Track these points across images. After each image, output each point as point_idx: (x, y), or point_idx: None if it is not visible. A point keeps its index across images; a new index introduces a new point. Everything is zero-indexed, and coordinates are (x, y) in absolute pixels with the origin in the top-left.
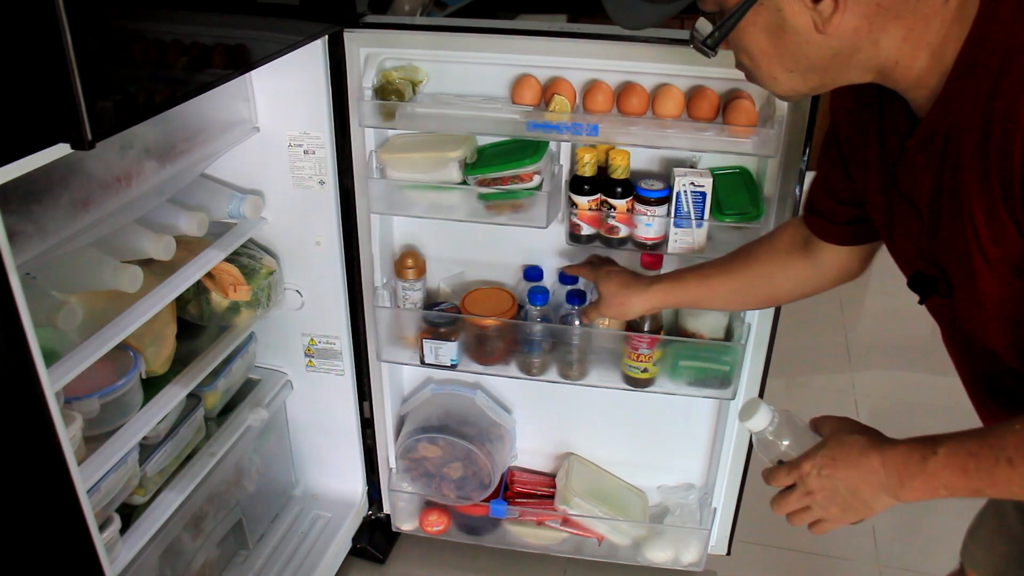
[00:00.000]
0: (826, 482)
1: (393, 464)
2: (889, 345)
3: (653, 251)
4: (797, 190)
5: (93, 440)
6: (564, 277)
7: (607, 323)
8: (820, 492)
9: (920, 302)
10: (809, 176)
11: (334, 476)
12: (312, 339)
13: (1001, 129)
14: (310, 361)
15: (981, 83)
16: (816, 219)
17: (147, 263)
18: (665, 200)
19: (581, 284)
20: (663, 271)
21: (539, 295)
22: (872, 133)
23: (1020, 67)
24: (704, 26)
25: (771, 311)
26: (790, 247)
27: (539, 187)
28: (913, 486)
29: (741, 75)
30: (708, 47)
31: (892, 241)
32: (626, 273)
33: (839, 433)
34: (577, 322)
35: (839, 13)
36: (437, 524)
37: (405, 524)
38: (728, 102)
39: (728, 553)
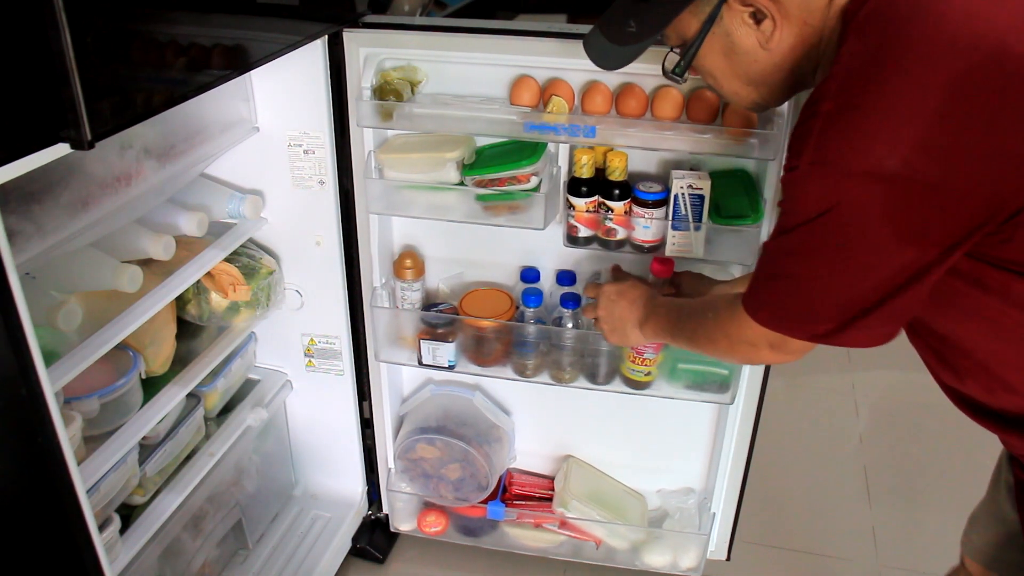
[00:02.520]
0: (610, 305)
1: (392, 464)
2: (889, 345)
3: (651, 254)
4: None
5: (93, 440)
6: (562, 278)
7: None
8: (604, 310)
9: None
10: None
11: (333, 476)
12: (312, 339)
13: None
14: (310, 361)
15: (821, 85)
16: None
17: (147, 263)
18: (663, 202)
19: (577, 287)
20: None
21: (533, 297)
22: None
23: (839, 82)
24: (671, 59)
25: None
26: None
27: (537, 188)
28: (646, 328)
29: None
30: (677, 75)
31: None
32: (700, 273)
33: (636, 280)
34: (570, 324)
35: (778, 31)
36: (435, 525)
37: (404, 524)
38: (727, 104)
39: (727, 558)
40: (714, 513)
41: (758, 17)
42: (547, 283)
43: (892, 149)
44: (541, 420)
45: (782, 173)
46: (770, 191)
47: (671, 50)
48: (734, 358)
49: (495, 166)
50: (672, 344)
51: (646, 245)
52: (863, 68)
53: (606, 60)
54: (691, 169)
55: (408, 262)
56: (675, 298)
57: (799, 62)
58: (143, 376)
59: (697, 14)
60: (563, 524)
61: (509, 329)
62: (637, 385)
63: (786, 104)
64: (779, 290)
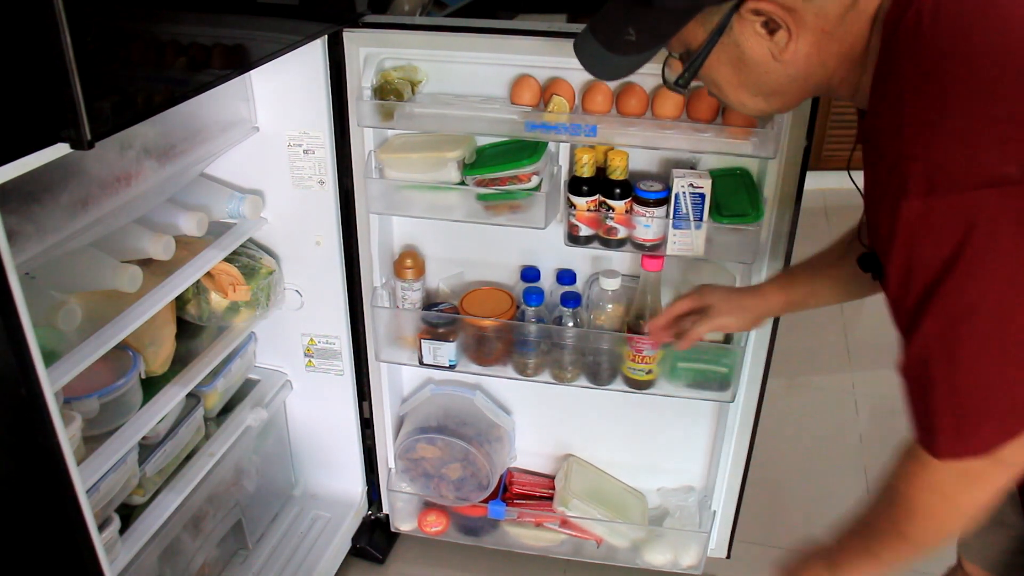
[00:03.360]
0: None
1: (392, 464)
2: (889, 345)
3: (652, 252)
4: (797, 191)
5: (92, 440)
6: (563, 277)
7: (603, 318)
8: None
9: (873, 278)
10: (810, 177)
11: (333, 476)
12: (312, 339)
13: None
14: (310, 361)
15: (888, 110)
16: None
17: (147, 263)
18: (664, 201)
19: (578, 287)
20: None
21: (533, 296)
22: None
23: (912, 106)
24: (673, 68)
25: None
26: None
27: (537, 188)
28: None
29: None
30: (680, 86)
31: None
32: (725, 286)
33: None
34: (571, 323)
35: (793, 42)
36: (436, 525)
37: (404, 524)
38: None
39: (728, 556)
40: (714, 511)
41: (771, 27)
42: (548, 282)
43: (1003, 155)
44: (541, 419)
45: (882, 233)
46: (770, 190)
47: (671, 55)
48: (962, 517)
49: (496, 165)
50: (887, 567)
51: (647, 244)
52: (939, 78)
53: (601, 69)
54: (691, 168)
55: (408, 262)
56: (841, 525)
57: (815, 71)
58: (143, 376)
59: (704, 23)
60: (564, 523)
61: (510, 328)
62: (638, 384)
63: None
64: (971, 388)
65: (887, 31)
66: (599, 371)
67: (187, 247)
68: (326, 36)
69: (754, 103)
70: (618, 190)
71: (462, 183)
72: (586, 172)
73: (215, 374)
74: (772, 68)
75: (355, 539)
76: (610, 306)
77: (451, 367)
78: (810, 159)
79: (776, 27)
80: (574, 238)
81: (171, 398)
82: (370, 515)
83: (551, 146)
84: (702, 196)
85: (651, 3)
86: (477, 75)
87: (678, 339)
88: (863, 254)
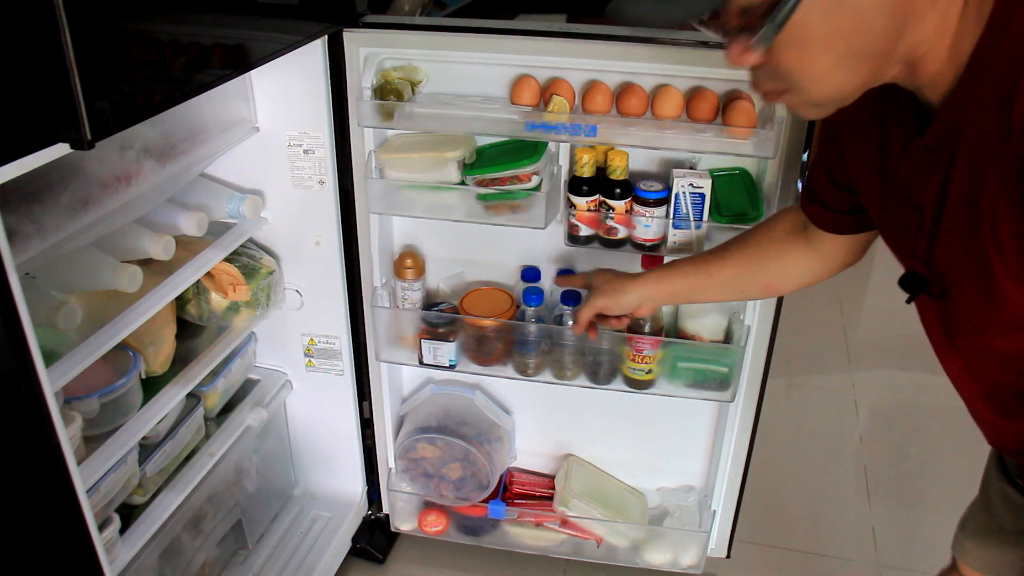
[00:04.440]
0: None
1: (392, 464)
2: (889, 345)
3: (652, 252)
4: (797, 191)
5: (93, 440)
6: (563, 271)
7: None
8: None
9: (908, 301)
10: None
11: (334, 476)
12: (312, 339)
13: (1021, 131)
14: (310, 361)
15: (997, 85)
16: (815, 207)
17: (147, 263)
18: (664, 201)
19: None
20: None
21: (534, 296)
22: (872, 128)
23: None
24: (741, 32)
25: (771, 312)
26: (788, 233)
27: (538, 188)
28: None
29: (741, 76)
30: (764, 40)
31: (888, 237)
32: (617, 270)
33: None
34: (571, 323)
35: None
36: (436, 524)
37: (404, 524)
38: (728, 103)
39: (728, 556)
40: (714, 511)
41: None
42: (548, 282)
43: None
44: (541, 419)
45: None
46: (770, 190)
47: (730, 33)
48: None
49: (496, 165)
50: None
51: (647, 244)
52: None
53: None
54: (691, 168)
55: (408, 262)
56: None
57: (908, 33)
58: (143, 376)
59: None
60: (564, 523)
61: (510, 328)
62: (638, 384)
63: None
64: None
65: None
66: (599, 371)
67: (187, 247)
68: (326, 36)
69: (832, 74)
70: (618, 190)
71: (462, 183)
72: (586, 172)
73: (215, 374)
74: (871, 14)
75: (355, 539)
76: None
77: (451, 367)
78: (810, 159)
79: None
80: (574, 238)
81: (171, 398)
82: (370, 515)
83: (551, 146)
84: (702, 196)
85: None
86: (477, 75)
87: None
88: (905, 274)
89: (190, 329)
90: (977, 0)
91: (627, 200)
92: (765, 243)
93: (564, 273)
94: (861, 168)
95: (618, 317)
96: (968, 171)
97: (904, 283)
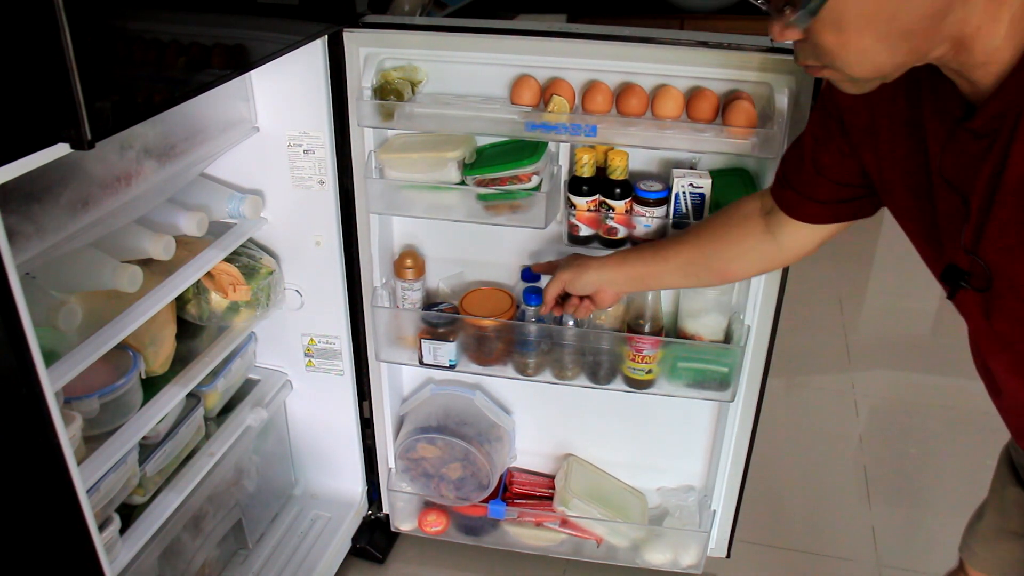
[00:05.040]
0: None
1: (392, 464)
2: (889, 345)
3: None
4: None
5: (93, 440)
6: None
7: (603, 318)
8: None
9: (949, 296)
10: None
11: (334, 476)
12: (312, 339)
13: None
14: (310, 361)
15: None
16: (789, 193)
17: (147, 263)
18: (664, 201)
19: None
20: None
21: (534, 296)
22: (899, 120)
23: None
24: (783, 8)
25: (771, 312)
26: (748, 218)
27: (538, 188)
28: None
29: (741, 76)
30: (802, 20)
31: (916, 229)
32: (585, 254)
33: None
34: (571, 322)
35: None
36: (436, 524)
37: (404, 524)
38: (728, 103)
39: (727, 556)
40: (714, 511)
41: None
42: (545, 282)
43: None
44: (541, 419)
45: None
46: None
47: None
48: None
49: (496, 165)
50: None
51: None
52: None
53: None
54: (691, 168)
55: (408, 262)
56: None
57: (956, 8)
58: (143, 376)
59: None
60: (564, 523)
61: (510, 328)
62: (638, 384)
63: (785, 102)
64: None
65: None
66: (599, 371)
67: (187, 247)
68: (326, 36)
69: (876, 51)
70: (618, 190)
71: (462, 183)
72: (586, 172)
73: (215, 374)
74: None
75: (355, 539)
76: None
77: (451, 367)
78: None
79: None
80: (574, 238)
81: (171, 398)
82: (370, 515)
83: (551, 146)
84: (702, 196)
85: None
86: (477, 75)
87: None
88: (946, 268)
89: (190, 329)
90: None
91: (627, 200)
92: (722, 229)
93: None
94: (887, 159)
95: (580, 299)
96: None
97: (945, 277)
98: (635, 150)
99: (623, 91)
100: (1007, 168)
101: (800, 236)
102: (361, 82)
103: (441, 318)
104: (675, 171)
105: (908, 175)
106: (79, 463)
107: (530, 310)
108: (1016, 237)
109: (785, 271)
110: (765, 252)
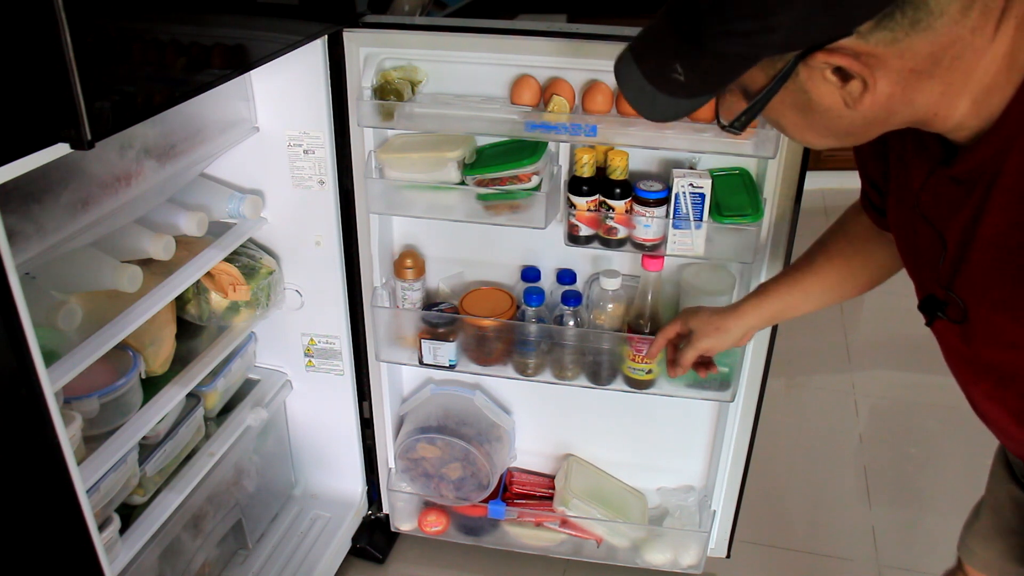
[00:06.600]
0: None
1: (392, 464)
2: (889, 345)
3: (652, 252)
4: (797, 191)
5: (93, 440)
6: (563, 277)
7: (603, 318)
8: None
9: (927, 324)
10: (809, 177)
11: (333, 476)
12: (312, 339)
13: None
14: (310, 361)
15: None
16: (872, 212)
17: (147, 263)
18: (664, 201)
19: (578, 286)
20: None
21: (534, 296)
22: (895, 147)
23: None
24: (729, 107)
25: None
26: (868, 234)
27: (538, 188)
28: None
29: None
30: (736, 129)
31: (907, 258)
32: (708, 307)
33: None
34: (571, 323)
35: (869, 93)
36: (436, 524)
37: (404, 524)
38: None
39: (727, 556)
40: (714, 511)
41: (843, 74)
42: (548, 282)
43: None
44: (541, 419)
45: None
46: (770, 190)
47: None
48: None
49: (496, 165)
50: None
51: (647, 243)
52: None
53: (646, 105)
54: (691, 168)
55: (408, 262)
56: None
57: (900, 110)
58: (143, 376)
59: (765, 68)
60: (564, 523)
61: (510, 328)
62: (639, 384)
63: None
64: None
65: None
66: (599, 371)
67: (187, 247)
68: (326, 36)
69: (823, 142)
70: (618, 190)
71: (462, 183)
72: (586, 172)
73: (215, 374)
74: (844, 114)
75: (355, 539)
76: (610, 306)
77: (451, 367)
78: (810, 159)
79: (850, 76)
80: (574, 238)
81: (171, 398)
82: (370, 515)
83: (551, 146)
84: (702, 196)
85: (703, 46)
86: (477, 75)
87: (672, 365)
88: (924, 299)
89: (190, 329)
90: (1008, 57)
91: (627, 200)
92: (849, 250)
93: (567, 281)
94: (891, 181)
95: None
96: (1006, 212)
97: (923, 307)
98: (635, 150)
99: None
100: (982, 224)
101: None
102: (361, 82)
103: (441, 318)
104: (675, 171)
105: (899, 202)
106: (79, 463)
107: (530, 310)
108: (991, 282)
109: None
110: (894, 253)
